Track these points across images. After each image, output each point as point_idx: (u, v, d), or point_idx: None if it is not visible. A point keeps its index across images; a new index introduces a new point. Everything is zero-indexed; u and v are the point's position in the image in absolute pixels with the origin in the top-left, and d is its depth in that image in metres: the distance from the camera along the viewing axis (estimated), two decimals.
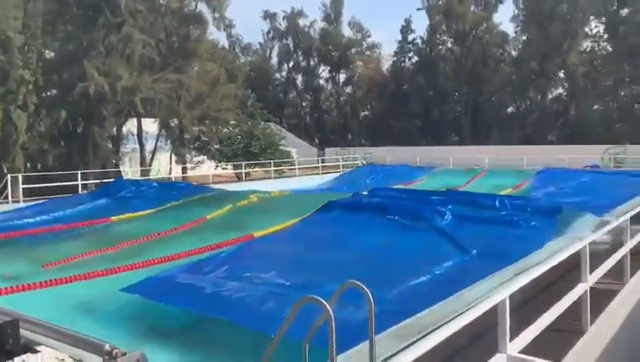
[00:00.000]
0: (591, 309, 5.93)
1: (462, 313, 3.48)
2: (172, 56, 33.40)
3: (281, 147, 35.59)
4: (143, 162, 33.72)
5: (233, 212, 10.20)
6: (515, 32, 53.68)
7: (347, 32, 61.38)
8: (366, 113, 64.58)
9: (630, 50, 43.29)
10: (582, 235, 6.08)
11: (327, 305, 2.36)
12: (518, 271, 4.59)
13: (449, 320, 3.33)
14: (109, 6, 27.50)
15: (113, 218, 9.99)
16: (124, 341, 3.43)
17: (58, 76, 28.36)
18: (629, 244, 7.86)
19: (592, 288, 6.03)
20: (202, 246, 6.99)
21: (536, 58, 49.08)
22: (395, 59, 60.14)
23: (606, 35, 47.59)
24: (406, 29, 58.27)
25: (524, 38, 52.21)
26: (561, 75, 50.68)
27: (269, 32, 62.02)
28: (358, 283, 2.62)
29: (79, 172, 20.59)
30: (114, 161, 31.06)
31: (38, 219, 10.14)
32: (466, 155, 33.28)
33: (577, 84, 48.43)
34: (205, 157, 35.27)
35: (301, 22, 61.04)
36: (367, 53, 62.77)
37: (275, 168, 30.99)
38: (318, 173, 30.25)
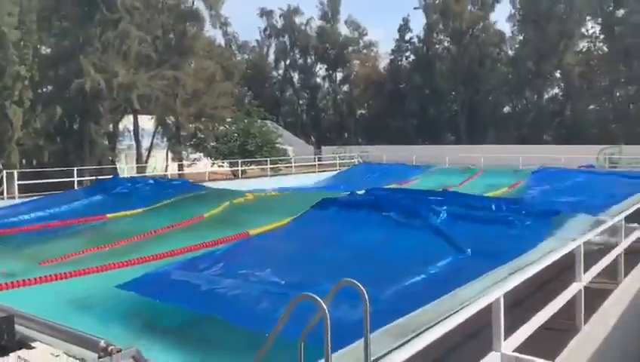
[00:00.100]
0: (585, 308, 5.95)
1: (456, 311, 3.50)
2: (168, 53, 33.33)
3: (277, 145, 35.56)
4: (139, 159, 33.64)
5: (229, 210, 10.21)
6: (512, 32, 53.89)
7: (344, 30, 61.50)
8: (363, 112, 64.63)
9: (626, 51, 43.45)
10: (576, 235, 6.10)
11: (323, 303, 2.37)
12: (512, 270, 4.61)
13: (444, 319, 3.35)
14: (105, 2, 27.40)
15: (109, 215, 9.98)
16: (120, 337, 3.44)
17: (54, 72, 28.24)
18: (624, 244, 7.89)
19: (586, 287, 6.05)
20: (198, 244, 7.00)
21: (533, 58, 49.20)
22: (392, 57, 60.24)
23: (602, 36, 47.75)
24: (404, 27, 58.36)
25: (521, 37, 52.33)
26: (558, 75, 50.82)
27: (265, 30, 62.03)
28: (354, 281, 2.63)
29: (75, 168, 20.51)
30: (110, 158, 30.97)
31: (33, 215, 10.12)
32: (462, 155, 33.32)
33: (573, 84, 48.58)
34: (202, 154, 35.22)
35: (298, 20, 61.11)
36: (364, 51, 62.81)
37: (272, 166, 30.97)
38: (314, 172, 30.25)
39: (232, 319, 4.14)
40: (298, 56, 62.91)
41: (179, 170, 33.32)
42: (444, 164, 27.89)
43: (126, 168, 27.26)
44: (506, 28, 56.63)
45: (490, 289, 3.99)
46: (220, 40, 51.48)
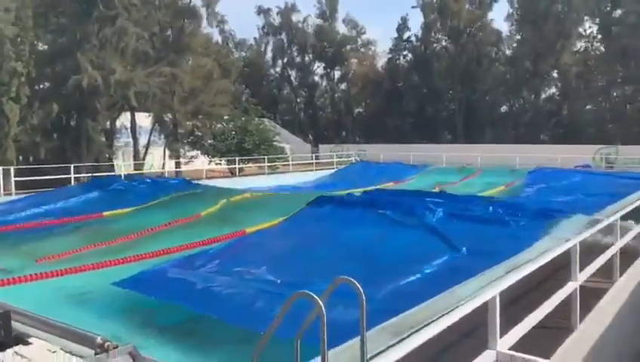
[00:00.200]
0: (580, 307, 5.98)
1: (452, 310, 3.51)
2: (166, 50, 33.25)
3: (275, 143, 35.54)
4: (136, 156, 33.58)
5: (226, 208, 10.22)
6: (510, 31, 53.93)
7: (342, 28, 61.44)
8: (360, 110, 64.61)
9: (623, 51, 43.56)
10: (572, 234, 6.13)
11: (319, 301, 2.38)
12: (508, 269, 4.63)
13: (439, 317, 3.36)
14: None
15: (106, 213, 9.97)
16: (116, 334, 3.44)
17: (51, 69, 28.15)
18: (619, 243, 7.93)
19: (581, 286, 6.08)
20: (194, 242, 7.01)
21: (530, 57, 49.28)
22: (390, 56, 60.23)
23: (599, 36, 47.85)
24: (402, 26, 58.36)
25: (519, 37, 52.39)
26: (555, 74, 50.91)
27: (263, 28, 61.93)
28: (351, 279, 2.64)
29: (72, 165, 20.46)
30: (107, 155, 30.90)
31: (30, 212, 10.12)
32: (459, 154, 33.37)
33: (570, 84, 48.68)
34: (199, 152, 35.16)
35: (295, 17, 60.98)
36: (362, 50, 62.77)
37: (269, 164, 30.96)
38: (312, 170, 30.25)
39: (228, 318, 4.15)
40: (296, 54, 62.84)
41: (176, 168, 33.26)
42: (441, 163, 27.94)
43: (123, 165, 27.19)
44: (503, 27, 56.65)
45: (486, 288, 4.01)
46: (217, 38, 51.37)
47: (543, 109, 50.99)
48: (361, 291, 2.58)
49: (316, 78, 64.18)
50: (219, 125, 35.56)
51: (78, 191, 12.19)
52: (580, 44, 49.77)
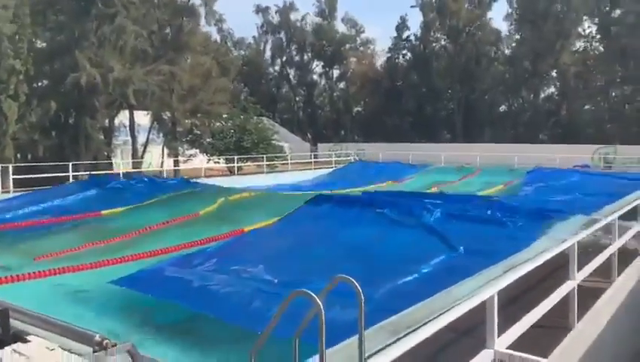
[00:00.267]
0: (578, 307, 5.99)
1: (450, 309, 3.52)
2: (164, 48, 33.19)
3: (273, 142, 35.51)
4: (134, 154, 33.55)
5: (224, 207, 10.22)
6: (509, 31, 53.92)
7: (341, 27, 61.38)
8: (359, 109, 64.57)
9: (622, 51, 43.58)
10: (570, 233, 6.14)
11: (318, 299, 2.38)
12: (506, 268, 4.64)
13: (437, 316, 3.37)
14: None
15: (104, 211, 9.97)
16: (114, 332, 3.44)
17: (49, 66, 28.09)
18: (617, 243, 7.94)
19: (579, 286, 6.09)
20: (192, 241, 7.00)
21: (529, 57, 49.28)
22: (389, 55, 60.21)
23: (598, 36, 47.87)
24: (402, 25, 58.31)
25: (518, 36, 52.39)
26: (554, 74, 50.93)
27: (262, 26, 61.84)
28: (349, 278, 2.65)
29: (70, 163, 20.44)
30: (106, 153, 30.87)
31: (27, 210, 10.10)
32: (458, 153, 33.38)
33: (569, 83, 48.71)
34: (197, 150, 35.12)
35: (294, 16, 60.90)
36: (361, 49, 62.71)
37: (268, 163, 30.95)
38: (310, 169, 30.25)
39: (225, 317, 4.15)
40: (295, 52, 62.78)
41: (174, 166, 33.23)
42: (440, 163, 27.95)
43: (122, 163, 27.16)
44: (502, 27, 56.53)
45: (484, 287, 4.02)
46: (216, 36, 51.27)
47: (541, 109, 51.02)
48: (360, 290, 2.58)
49: (315, 77, 64.15)
50: (217, 124, 35.51)
51: (76, 190, 12.17)
52: (579, 44, 49.80)
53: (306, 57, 62.63)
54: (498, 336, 4.09)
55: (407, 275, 4.85)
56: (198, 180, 16.96)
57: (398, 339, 2.96)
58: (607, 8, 46.32)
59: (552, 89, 52.96)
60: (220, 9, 39.15)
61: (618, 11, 45.47)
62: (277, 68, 64.06)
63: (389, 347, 2.86)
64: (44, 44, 28.69)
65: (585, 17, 48.35)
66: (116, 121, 33.45)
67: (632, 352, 8.20)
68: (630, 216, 9.21)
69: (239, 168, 30.84)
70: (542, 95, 52.53)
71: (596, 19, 47.39)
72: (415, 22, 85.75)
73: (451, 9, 51.64)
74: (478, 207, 7.78)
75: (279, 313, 2.53)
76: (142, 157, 33.86)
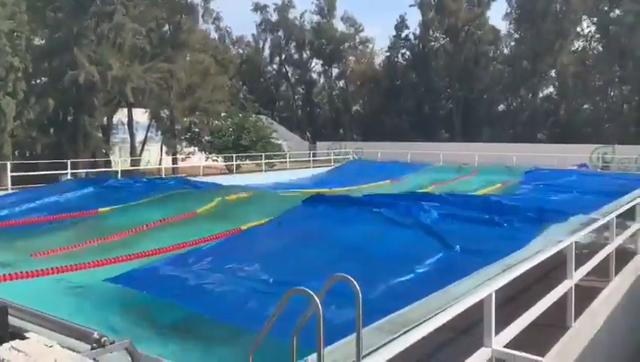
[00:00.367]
0: (575, 306, 6.00)
1: (448, 307, 3.53)
2: (163, 46, 33.13)
3: (272, 140, 35.48)
4: (133, 152, 33.51)
5: (222, 206, 10.21)
6: (508, 30, 53.93)
7: (340, 26, 61.31)
8: (358, 108, 64.52)
9: (621, 51, 43.64)
10: (568, 232, 6.15)
11: (316, 297, 2.39)
12: (504, 267, 4.65)
13: (435, 314, 3.37)
14: None
15: (100, 209, 9.96)
16: (111, 330, 3.44)
17: (48, 64, 28.05)
18: (615, 243, 7.95)
19: (577, 285, 6.10)
20: (189, 241, 7.00)
21: (528, 56, 49.30)
22: (388, 54, 60.17)
23: (597, 35, 47.91)
24: (401, 24, 58.27)
25: (517, 36, 52.40)
26: (552, 74, 50.96)
27: (260, 24, 61.75)
28: (347, 276, 2.65)
29: (69, 161, 20.40)
30: (104, 151, 30.84)
31: (24, 206, 10.10)
32: (456, 152, 33.38)
33: (568, 83, 48.73)
34: (196, 148, 35.10)
35: (292, 14, 60.79)
36: (360, 47, 62.65)
37: (266, 161, 30.93)
38: (309, 167, 30.23)
39: (220, 316, 4.16)
40: (293, 51, 62.71)
41: (173, 164, 33.19)
42: (439, 162, 27.95)
43: (120, 161, 27.11)
44: (501, 26, 56.48)
45: (482, 286, 4.03)
46: (214, 35, 51.18)
47: (540, 108, 51.06)
48: (358, 288, 2.59)
49: (314, 76, 64.09)
50: (216, 122, 35.47)
51: (74, 187, 12.17)
52: (578, 44, 49.85)
53: (305, 56, 62.58)
54: (496, 335, 4.10)
55: (405, 275, 4.86)
56: (197, 178, 16.95)
57: (396, 338, 2.97)
58: (606, 8, 46.36)
59: (551, 88, 53.04)
60: (218, 7, 39.10)
61: (617, 11, 45.51)
62: (275, 66, 64.02)
63: (387, 345, 2.86)
64: (43, 42, 28.63)
65: (584, 17, 48.39)
66: (114, 119, 33.42)
67: (628, 351, 8.23)
68: (628, 215, 9.23)
69: (238, 166, 30.82)
70: (540, 94, 52.56)
71: (595, 18, 47.42)
72: (414, 21, 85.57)
73: (450, 8, 51.62)
74: (475, 206, 7.79)
75: (277, 311, 2.53)
76: (140, 155, 33.83)
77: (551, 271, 6.93)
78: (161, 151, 35.71)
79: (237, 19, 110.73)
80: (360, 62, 61.51)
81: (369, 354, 2.71)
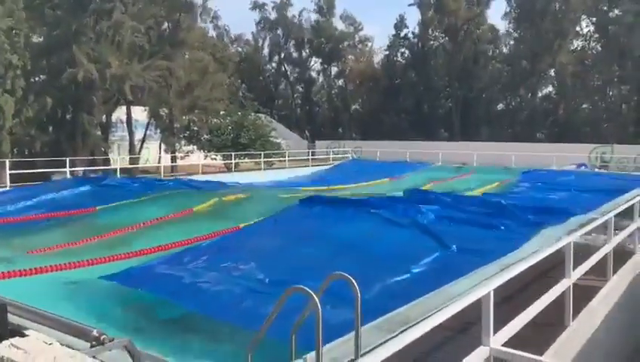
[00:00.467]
0: (574, 305, 6.02)
1: (447, 306, 3.53)
2: (162, 44, 33.07)
3: (271, 138, 35.45)
4: (132, 150, 33.48)
5: (219, 205, 10.21)
6: (507, 30, 53.94)
7: (339, 24, 61.27)
8: (357, 107, 64.49)
9: (620, 51, 43.66)
10: (566, 231, 6.16)
11: (314, 296, 2.39)
12: (503, 266, 4.66)
13: (434, 313, 3.38)
14: None
15: (98, 207, 9.96)
16: (110, 328, 3.44)
17: (47, 61, 27.98)
18: (613, 242, 7.97)
19: (575, 284, 6.11)
20: (185, 240, 7.00)
21: (527, 56, 49.31)
22: (387, 53, 60.15)
23: (596, 35, 47.93)
24: (400, 23, 58.26)
25: (516, 35, 52.40)
26: (552, 73, 50.99)
27: (259, 23, 61.65)
28: (345, 274, 2.65)
29: (67, 159, 20.38)
30: (103, 149, 30.79)
31: (22, 204, 10.10)
32: (455, 151, 33.40)
33: (567, 82, 48.76)
34: (195, 147, 35.07)
35: (291, 12, 60.72)
36: (359, 46, 62.61)
37: (265, 160, 30.92)
38: (308, 166, 30.23)
39: (216, 314, 4.16)
40: (293, 49, 62.67)
41: (172, 162, 33.16)
42: (438, 161, 27.95)
43: (119, 159, 27.08)
44: (501, 25, 56.51)
45: (480, 285, 4.03)
46: (212, 33, 51.10)
47: (539, 108, 51.09)
48: (356, 286, 2.59)
49: (313, 74, 64.07)
50: (215, 120, 35.43)
51: (71, 185, 12.16)
52: (577, 43, 49.88)
53: (304, 54, 62.53)
54: (494, 334, 4.10)
55: (402, 274, 4.87)
56: (196, 177, 16.93)
57: (395, 336, 2.97)
58: (606, 8, 46.38)
59: (550, 88, 53.11)
60: (216, 6, 39.07)
61: (616, 11, 45.53)
62: (274, 64, 63.96)
63: (385, 344, 2.87)
64: (41, 39, 28.56)
65: (583, 17, 48.41)
66: (113, 117, 33.37)
67: (626, 350, 8.25)
68: (626, 215, 9.25)
69: (236, 165, 30.80)
70: (539, 94, 52.64)
71: (594, 18, 47.45)
72: (413, 20, 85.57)
73: (450, 7, 51.61)
74: (473, 205, 7.79)
75: (276, 309, 2.54)
76: (139, 154, 33.78)
77: (549, 270, 6.94)
78: (160, 149, 35.66)
79: (235, 18, 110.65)
80: (359, 61, 61.47)
81: (367, 352, 2.72)
